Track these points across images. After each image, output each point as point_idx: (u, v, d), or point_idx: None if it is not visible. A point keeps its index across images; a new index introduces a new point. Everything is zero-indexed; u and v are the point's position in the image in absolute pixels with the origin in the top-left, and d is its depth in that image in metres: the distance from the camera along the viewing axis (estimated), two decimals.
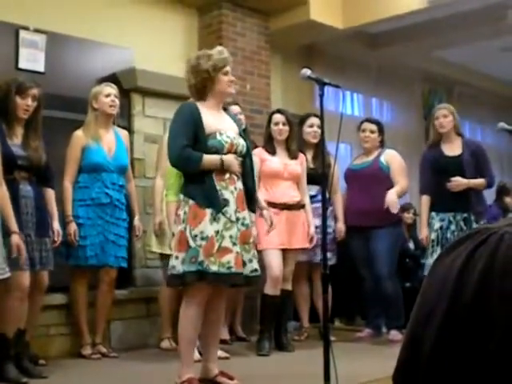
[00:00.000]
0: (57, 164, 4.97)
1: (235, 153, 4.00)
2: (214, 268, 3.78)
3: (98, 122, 5.16)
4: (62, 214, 4.96)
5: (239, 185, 4.01)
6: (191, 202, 3.86)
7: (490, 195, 8.04)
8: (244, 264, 3.93)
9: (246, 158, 4.11)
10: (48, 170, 4.59)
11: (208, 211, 3.84)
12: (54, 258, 4.75)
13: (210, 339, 4.12)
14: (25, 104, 4.41)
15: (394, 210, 5.59)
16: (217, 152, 3.92)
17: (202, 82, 4.05)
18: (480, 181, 5.56)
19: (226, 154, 3.94)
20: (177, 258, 3.87)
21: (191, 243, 3.81)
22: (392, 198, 5.60)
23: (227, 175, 3.94)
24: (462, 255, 0.64)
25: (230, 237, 3.86)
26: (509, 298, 0.59)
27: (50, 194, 4.65)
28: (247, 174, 4.12)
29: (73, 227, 4.95)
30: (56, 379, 4.34)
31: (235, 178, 3.98)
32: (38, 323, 4.80)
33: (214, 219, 3.83)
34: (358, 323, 6.87)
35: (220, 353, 4.68)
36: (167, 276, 4.08)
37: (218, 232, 3.83)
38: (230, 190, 3.93)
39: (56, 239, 4.66)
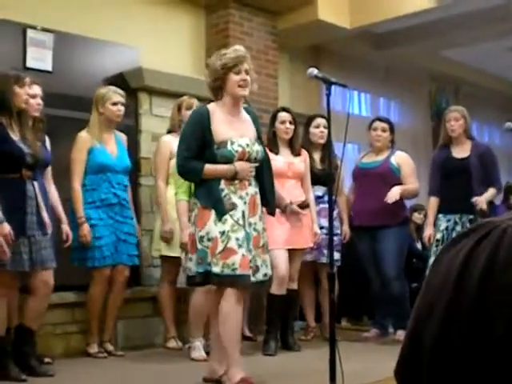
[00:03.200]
0: (64, 163, 4.99)
1: (248, 160, 3.97)
2: (216, 269, 3.78)
3: (101, 125, 5.15)
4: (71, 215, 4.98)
5: (251, 190, 3.98)
6: (199, 204, 3.91)
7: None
8: (258, 269, 3.94)
9: (262, 163, 4.08)
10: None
11: (213, 212, 3.85)
12: (62, 257, 4.76)
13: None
14: (25, 93, 4.35)
15: (389, 200, 5.64)
16: (226, 162, 3.90)
17: (215, 82, 4.02)
18: (492, 192, 5.59)
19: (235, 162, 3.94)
20: (190, 259, 3.95)
21: (198, 245, 3.86)
22: (395, 191, 5.67)
23: (237, 180, 3.92)
24: (465, 248, 0.64)
25: (237, 239, 3.83)
26: (511, 290, 0.59)
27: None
28: (264, 178, 4.09)
29: (86, 228, 4.94)
30: (62, 377, 4.34)
31: (246, 183, 3.95)
32: (44, 322, 4.81)
33: (220, 220, 3.83)
34: (365, 323, 6.86)
35: None
36: (186, 277, 4.14)
37: (223, 233, 3.82)
38: (240, 195, 3.91)
39: (48, 232, 4.57)
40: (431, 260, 5.58)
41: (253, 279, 3.89)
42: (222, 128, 3.94)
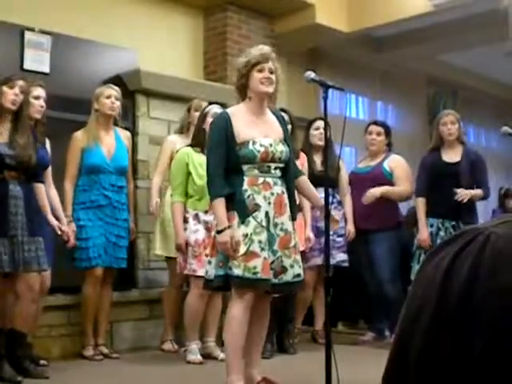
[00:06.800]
0: (61, 165, 5.00)
1: (272, 160, 3.87)
2: (237, 271, 3.69)
3: (98, 124, 5.16)
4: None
5: (277, 189, 3.86)
6: None
7: (494, 200, 8.03)
8: (285, 270, 3.83)
9: (287, 165, 3.98)
10: (37, 167, 4.44)
11: (236, 214, 3.77)
12: (57, 259, 4.75)
13: (253, 346, 3.97)
14: (13, 93, 4.28)
15: (365, 201, 5.68)
16: (249, 162, 3.82)
17: (240, 80, 3.96)
18: (479, 192, 5.53)
19: (258, 162, 3.82)
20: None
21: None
22: (373, 191, 5.70)
23: (261, 180, 3.82)
24: (448, 256, 0.64)
25: (260, 242, 3.73)
26: (495, 296, 0.60)
27: (41, 189, 4.51)
28: (289, 179, 3.99)
29: (71, 227, 4.95)
30: (58, 380, 4.34)
31: (271, 183, 3.85)
32: (40, 324, 4.81)
33: (243, 222, 3.74)
34: (361, 327, 6.86)
35: (222, 355, 4.68)
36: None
37: (246, 235, 3.73)
38: (264, 195, 3.80)
39: (59, 232, 4.60)
40: (416, 266, 5.53)
41: (275, 281, 3.78)
42: (244, 128, 3.86)
